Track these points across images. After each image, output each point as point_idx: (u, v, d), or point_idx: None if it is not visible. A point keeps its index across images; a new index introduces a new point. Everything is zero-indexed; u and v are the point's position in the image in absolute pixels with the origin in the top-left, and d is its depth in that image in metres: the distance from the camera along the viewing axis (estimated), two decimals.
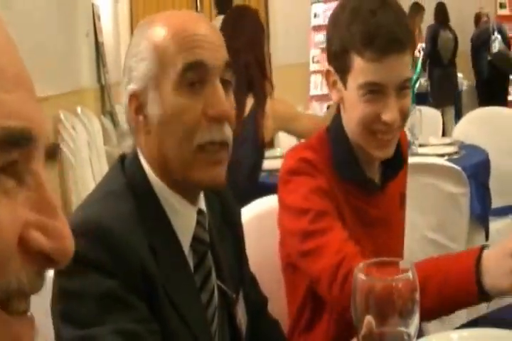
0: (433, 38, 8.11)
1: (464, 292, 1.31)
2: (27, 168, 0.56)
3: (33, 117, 0.56)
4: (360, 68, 1.53)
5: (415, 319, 1.02)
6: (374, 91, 1.54)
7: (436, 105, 7.19)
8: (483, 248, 1.34)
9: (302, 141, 3.74)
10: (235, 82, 3.04)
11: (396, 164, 1.71)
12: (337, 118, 1.69)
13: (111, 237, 1.14)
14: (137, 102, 1.24)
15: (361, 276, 1.02)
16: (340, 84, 1.62)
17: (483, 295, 1.30)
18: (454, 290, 1.32)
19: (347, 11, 1.55)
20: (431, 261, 1.42)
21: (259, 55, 3.21)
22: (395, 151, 1.65)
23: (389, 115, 1.54)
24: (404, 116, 1.59)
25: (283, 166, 1.64)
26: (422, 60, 8.25)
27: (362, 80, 1.54)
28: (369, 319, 1.00)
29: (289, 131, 3.32)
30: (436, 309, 1.35)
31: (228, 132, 1.25)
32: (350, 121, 1.63)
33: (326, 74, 1.65)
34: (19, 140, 0.54)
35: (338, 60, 1.58)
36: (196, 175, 1.23)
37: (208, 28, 1.26)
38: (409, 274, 1.01)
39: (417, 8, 8.66)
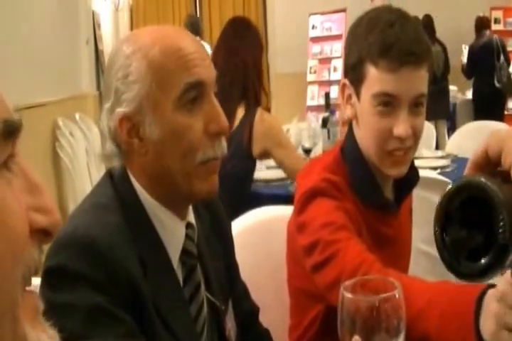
0: None
1: (462, 330, 1.19)
2: (13, 160, 0.60)
3: (11, 110, 0.60)
4: (375, 78, 1.52)
5: (401, 336, 1.01)
6: (387, 102, 1.52)
7: (429, 118, 7.21)
8: (489, 286, 1.18)
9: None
10: (229, 86, 3.01)
11: (410, 180, 1.69)
12: (350, 137, 1.65)
13: (98, 250, 1.12)
14: (129, 124, 1.22)
15: (347, 294, 1.02)
16: (354, 98, 1.60)
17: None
18: (454, 324, 1.21)
19: (364, 23, 1.55)
20: (435, 284, 1.35)
21: (258, 60, 3.20)
22: (410, 167, 1.63)
23: (401, 129, 1.52)
24: (416, 135, 1.57)
25: (304, 185, 1.59)
26: None
27: (376, 90, 1.52)
28: (356, 339, 0.99)
29: (271, 155, 3.12)
30: (435, 337, 1.26)
31: (225, 144, 1.27)
32: (364, 139, 1.61)
33: (342, 88, 1.63)
34: (16, 130, 0.58)
35: (354, 71, 1.56)
36: (197, 186, 1.24)
37: (196, 44, 1.25)
38: (396, 292, 1.01)
39: None
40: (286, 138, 3.19)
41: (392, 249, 1.67)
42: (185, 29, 1.33)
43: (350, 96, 1.61)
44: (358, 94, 1.58)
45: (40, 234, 0.60)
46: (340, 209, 1.52)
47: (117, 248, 1.15)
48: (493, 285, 1.16)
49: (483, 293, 1.17)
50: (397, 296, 1.01)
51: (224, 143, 1.26)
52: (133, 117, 1.21)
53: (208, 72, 1.24)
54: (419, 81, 1.53)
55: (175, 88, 1.20)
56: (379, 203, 1.64)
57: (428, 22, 8.27)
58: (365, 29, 1.54)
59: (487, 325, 1.11)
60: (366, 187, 1.62)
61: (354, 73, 1.57)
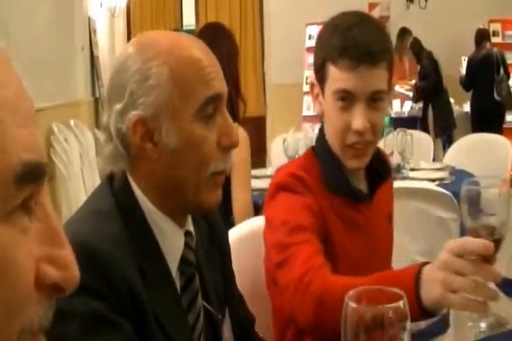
0: (436, 66, 8.13)
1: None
2: (36, 200, 0.57)
3: (42, 149, 0.58)
4: (335, 76, 1.64)
5: None
6: (345, 98, 1.64)
7: (440, 133, 7.21)
8: (425, 263, 1.32)
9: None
10: None
11: (382, 173, 1.79)
12: (320, 133, 1.78)
13: (97, 258, 1.11)
14: (144, 129, 1.20)
15: (352, 304, 1.01)
16: (321, 96, 1.72)
17: (424, 309, 1.29)
18: None
19: (329, 28, 1.68)
20: (372, 276, 1.41)
21: (234, 70, 3.11)
22: (379, 160, 1.78)
23: (357, 122, 1.63)
24: (375, 129, 1.67)
25: (272, 181, 1.71)
26: (418, 88, 8.30)
27: (335, 87, 1.65)
28: None
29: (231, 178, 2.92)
30: None
31: (231, 159, 1.30)
32: (329, 133, 1.73)
33: (311, 87, 1.77)
34: (38, 174, 0.55)
35: (319, 71, 1.70)
36: (204, 198, 1.25)
37: (211, 57, 1.26)
38: (401, 303, 1.00)
39: (404, 33, 8.80)
40: (248, 160, 2.98)
41: (364, 234, 1.74)
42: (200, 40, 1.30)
43: (318, 95, 1.74)
44: (323, 92, 1.71)
45: (51, 288, 0.57)
46: (301, 207, 1.61)
47: (116, 256, 1.14)
48: (427, 262, 1.33)
49: (421, 269, 1.31)
50: (401, 307, 1.00)
51: (231, 157, 1.28)
52: (149, 122, 1.20)
53: (222, 86, 1.25)
54: (376, 79, 1.64)
55: (195, 100, 1.20)
56: (345, 190, 1.72)
57: (415, 43, 8.30)
58: (328, 32, 1.67)
59: (433, 291, 1.26)
60: (333, 176, 1.72)
61: (319, 73, 1.70)
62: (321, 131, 1.78)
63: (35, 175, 0.55)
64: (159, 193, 1.24)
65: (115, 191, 1.25)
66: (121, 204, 1.23)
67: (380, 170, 1.78)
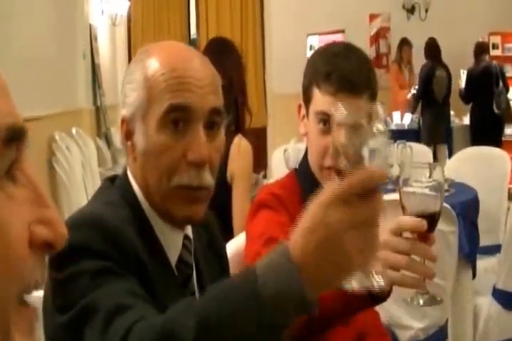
0: (428, 77, 8.09)
1: None
2: (17, 166, 0.60)
3: (19, 115, 0.60)
4: (318, 99, 1.74)
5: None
6: (325, 122, 1.72)
7: (427, 143, 7.23)
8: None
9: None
10: None
11: None
12: (305, 155, 1.85)
13: (108, 228, 1.16)
14: (126, 128, 1.29)
15: None
16: (306, 118, 1.81)
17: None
18: None
19: (317, 53, 1.82)
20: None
21: (241, 82, 3.10)
22: None
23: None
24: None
25: (255, 199, 1.81)
26: (413, 98, 8.35)
27: (317, 109, 1.74)
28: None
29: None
30: None
31: (207, 177, 1.25)
32: (310, 154, 1.81)
33: (299, 108, 1.84)
34: (21, 136, 0.59)
35: (305, 93, 1.79)
36: (173, 209, 1.26)
37: (201, 71, 1.27)
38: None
39: (404, 44, 8.85)
40: (249, 173, 2.94)
41: None
42: (202, 55, 1.34)
43: (304, 117, 1.82)
44: (307, 114, 1.80)
45: (45, 246, 0.60)
46: (276, 221, 1.68)
47: (126, 231, 1.19)
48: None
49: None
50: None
51: (206, 174, 1.25)
52: (128, 122, 1.29)
53: (198, 101, 1.24)
54: (356, 109, 1.68)
55: (160, 106, 1.24)
56: None
57: (432, 45, 8.27)
58: (315, 59, 1.79)
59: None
60: (311, 194, 1.74)
61: (305, 95, 1.80)
62: (306, 152, 1.85)
63: (19, 136, 0.58)
64: (147, 193, 1.29)
65: (117, 188, 1.31)
66: (126, 199, 1.29)
67: None
